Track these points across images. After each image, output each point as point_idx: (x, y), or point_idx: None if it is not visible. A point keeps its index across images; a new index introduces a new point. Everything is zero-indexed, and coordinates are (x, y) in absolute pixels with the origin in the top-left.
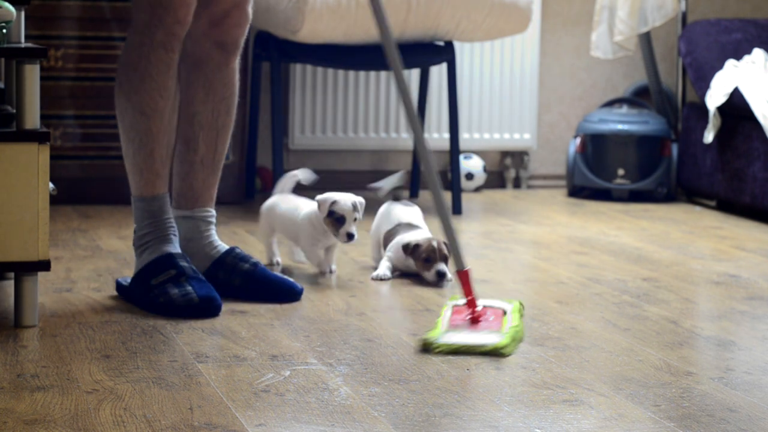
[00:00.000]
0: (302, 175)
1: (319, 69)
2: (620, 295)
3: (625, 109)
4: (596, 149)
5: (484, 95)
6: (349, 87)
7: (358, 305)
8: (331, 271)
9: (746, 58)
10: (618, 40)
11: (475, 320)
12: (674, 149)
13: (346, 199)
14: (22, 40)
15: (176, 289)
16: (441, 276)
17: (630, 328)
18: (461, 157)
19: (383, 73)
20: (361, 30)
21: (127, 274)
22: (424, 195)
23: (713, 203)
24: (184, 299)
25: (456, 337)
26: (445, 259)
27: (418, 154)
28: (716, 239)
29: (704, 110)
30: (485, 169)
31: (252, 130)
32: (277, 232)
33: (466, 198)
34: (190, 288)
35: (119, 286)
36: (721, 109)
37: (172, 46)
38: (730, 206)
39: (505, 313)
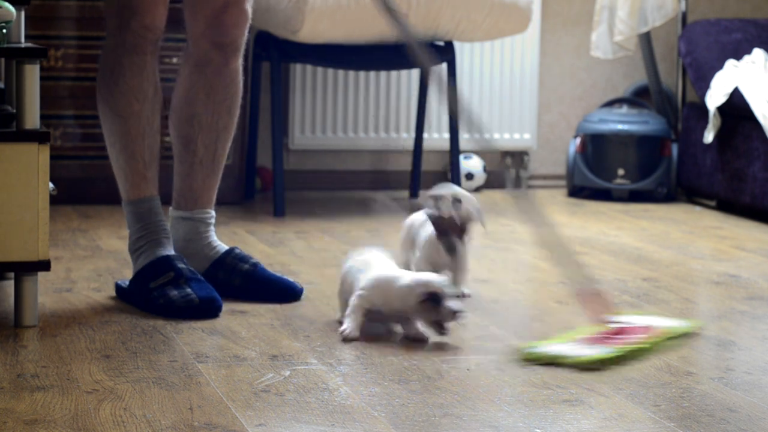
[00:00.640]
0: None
1: (319, 69)
2: (620, 295)
3: (625, 109)
4: (596, 149)
5: (484, 95)
6: (349, 87)
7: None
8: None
9: (746, 58)
10: (618, 40)
11: (609, 337)
12: (674, 149)
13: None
14: (22, 40)
15: (176, 291)
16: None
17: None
18: (461, 157)
19: (383, 73)
20: (361, 30)
21: (127, 275)
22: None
23: (713, 203)
24: (184, 301)
25: (554, 348)
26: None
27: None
28: (716, 239)
29: (704, 110)
30: (485, 169)
31: (252, 130)
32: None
33: None
34: (189, 290)
35: (118, 288)
36: (721, 109)
37: (143, 48)
38: (730, 206)
39: (652, 330)
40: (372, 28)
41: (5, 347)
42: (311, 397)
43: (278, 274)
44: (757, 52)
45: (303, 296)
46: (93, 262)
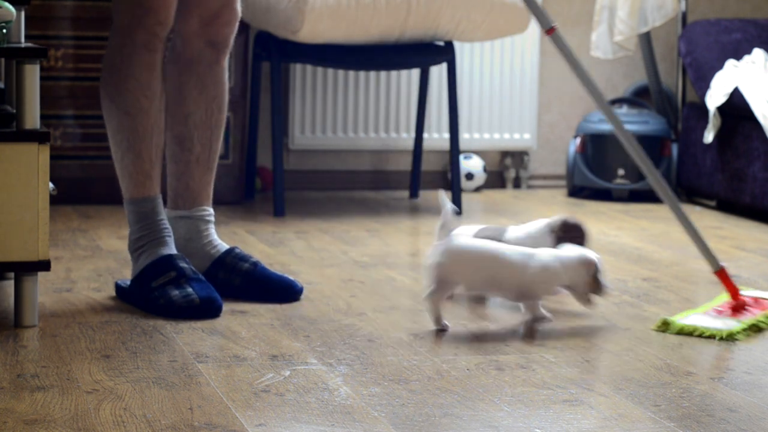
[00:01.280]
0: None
1: (319, 69)
2: (620, 295)
3: (625, 109)
4: (596, 149)
5: (484, 95)
6: (349, 87)
7: (358, 305)
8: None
9: (746, 58)
10: (618, 40)
11: (736, 309)
12: (674, 149)
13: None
14: (22, 40)
15: (177, 290)
16: None
17: (630, 328)
18: (461, 157)
19: (383, 73)
20: (361, 30)
21: (127, 275)
22: (424, 195)
23: (713, 203)
24: (186, 300)
25: (692, 320)
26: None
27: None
28: (716, 239)
29: (704, 110)
30: (485, 169)
31: (252, 130)
32: None
33: (466, 198)
34: (190, 289)
35: (118, 288)
36: (721, 109)
37: (154, 46)
38: (730, 206)
39: None
40: (372, 28)
41: (5, 347)
42: (311, 397)
43: (279, 273)
44: (757, 52)
45: (303, 296)
46: (93, 262)
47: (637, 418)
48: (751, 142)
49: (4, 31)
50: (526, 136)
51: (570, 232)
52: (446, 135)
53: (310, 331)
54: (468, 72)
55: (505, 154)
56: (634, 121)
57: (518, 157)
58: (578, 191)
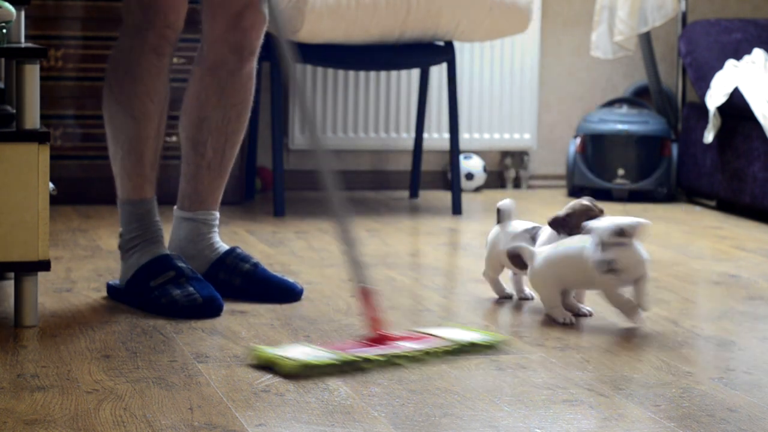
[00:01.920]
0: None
1: (319, 69)
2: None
3: (625, 109)
4: (596, 149)
5: (484, 95)
6: (349, 87)
7: (358, 305)
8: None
9: (746, 58)
10: (618, 40)
11: (380, 341)
12: (674, 149)
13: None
14: (22, 40)
15: (178, 290)
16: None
17: (630, 328)
18: (461, 157)
19: (383, 73)
20: (361, 30)
21: None
22: (424, 195)
23: (713, 203)
24: (188, 300)
25: (287, 352)
26: None
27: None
28: (716, 239)
29: (704, 110)
30: (485, 169)
31: (252, 130)
32: None
33: (466, 198)
34: (191, 289)
35: (110, 288)
36: (721, 109)
37: (164, 49)
38: (730, 206)
39: (436, 339)
40: (372, 28)
41: (5, 347)
42: (311, 397)
43: (279, 275)
44: (757, 52)
45: (303, 296)
46: (93, 262)
47: (637, 418)
48: (751, 142)
49: (4, 31)
50: (526, 136)
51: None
52: (446, 135)
53: (310, 331)
54: (468, 72)
55: (505, 154)
56: (634, 121)
57: (518, 157)
58: (578, 191)
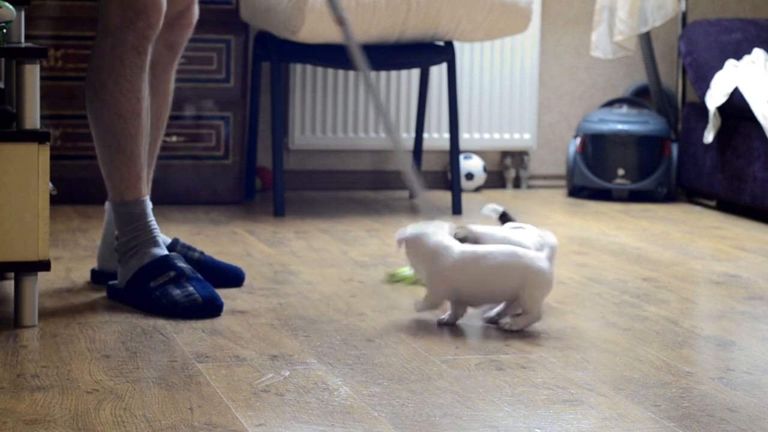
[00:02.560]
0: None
1: (319, 69)
2: (620, 295)
3: (625, 109)
4: (596, 149)
5: (484, 95)
6: (349, 87)
7: (358, 305)
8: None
9: (746, 58)
10: (618, 40)
11: None
12: (674, 149)
13: None
14: (22, 40)
15: (178, 290)
16: None
17: (630, 328)
18: (461, 157)
19: (383, 73)
20: (361, 30)
21: None
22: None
23: (713, 203)
24: (188, 300)
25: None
26: None
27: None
28: (716, 239)
29: (704, 110)
30: (485, 169)
31: (252, 130)
32: None
33: (466, 198)
34: (192, 288)
35: (110, 289)
36: (721, 109)
37: (144, 48)
38: (730, 206)
39: None
40: (372, 28)
41: (5, 347)
42: (311, 397)
43: (224, 262)
44: (757, 52)
45: (303, 296)
46: (93, 262)
47: (637, 418)
48: (751, 142)
49: (4, 31)
50: (526, 136)
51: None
52: (446, 135)
53: (310, 331)
54: (468, 72)
55: (505, 154)
56: (634, 121)
57: (518, 157)
58: (578, 191)
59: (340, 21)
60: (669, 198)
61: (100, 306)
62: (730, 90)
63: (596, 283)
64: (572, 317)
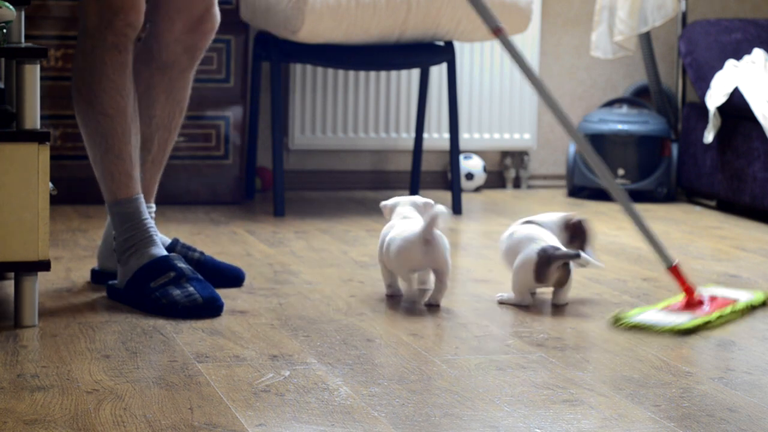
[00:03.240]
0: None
1: (319, 69)
2: (620, 295)
3: (625, 109)
4: (596, 149)
5: (484, 95)
6: (349, 87)
7: (358, 305)
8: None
9: (746, 58)
10: (618, 40)
11: (690, 305)
12: (674, 149)
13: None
14: (22, 40)
15: (178, 290)
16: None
17: (630, 328)
18: (461, 157)
19: (383, 73)
20: (361, 30)
21: None
22: (424, 195)
23: (713, 203)
24: (188, 300)
25: (646, 317)
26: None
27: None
28: (716, 239)
29: (704, 110)
30: (485, 169)
31: (252, 130)
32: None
33: (466, 198)
34: (192, 289)
35: (110, 289)
36: (721, 109)
37: (125, 46)
38: (730, 206)
39: (735, 301)
40: (372, 28)
41: (5, 347)
42: (311, 397)
43: (224, 262)
44: (757, 52)
45: (303, 296)
46: (93, 262)
47: (637, 418)
48: (751, 142)
49: (4, 31)
50: (526, 136)
51: (574, 232)
52: (446, 135)
53: (310, 331)
54: (468, 72)
55: (505, 154)
56: (634, 121)
57: (518, 157)
58: (578, 191)
59: (497, 31)
60: (669, 198)
61: (100, 306)
62: (730, 90)
63: (596, 283)
64: (572, 317)
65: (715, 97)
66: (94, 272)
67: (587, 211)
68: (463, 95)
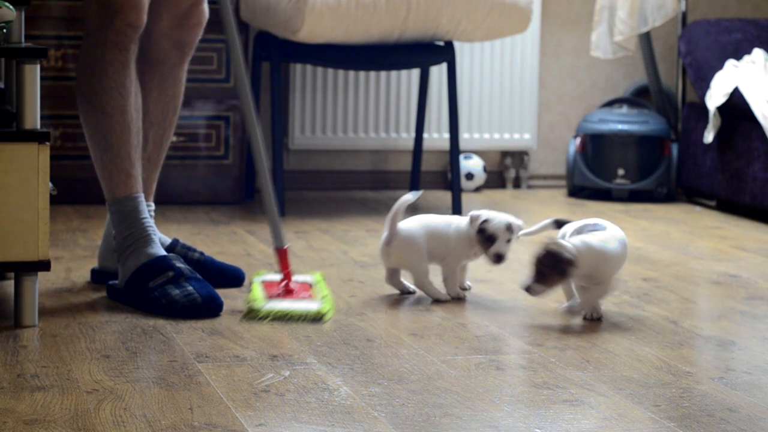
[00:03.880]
0: (413, 198)
1: (319, 69)
2: (620, 295)
3: (625, 109)
4: (596, 149)
5: (484, 95)
6: (349, 87)
7: (358, 305)
8: (466, 289)
9: (746, 58)
10: (618, 40)
11: (289, 292)
12: (674, 149)
13: (500, 218)
14: (22, 40)
15: (177, 290)
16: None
17: (630, 328)
18: (461, 157)
19: (383, 73)
20: (361, 30)
21: None
22: (424, 195)
23: (713, 203)
24: (187, 299)
25: (279, 305)
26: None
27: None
28: (716, 239)
29: (704, 110)
30: (485, 169)
31: None
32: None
33: (466, 198)
34: (191, 288)
35: (110, 289)
36: (721, 109)
37: (126, 45)
38: (730, 206)
39: (311, 285)
40: (372, 28)
41: (5, 347)
42: (311, 397)
43: (224, 262)
44: (757, 52)
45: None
46: (93, 262)
47: (637, 418)
48: (751, 142)
49: (4, 31)
50: (526, 136)
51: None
52: (446, 135)
53: (310, 331)
54: (468, 72)
55: (505, 154)
56: (634, 121)
57: (518, 157)
58: (578, 191)
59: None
60: (669, 198)
61: (100, 306)
62: (730, 90)
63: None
64: (572, 317)
65: (715, 97)
66: (94, 272)
67: (587, 211)
68: (463, 95)
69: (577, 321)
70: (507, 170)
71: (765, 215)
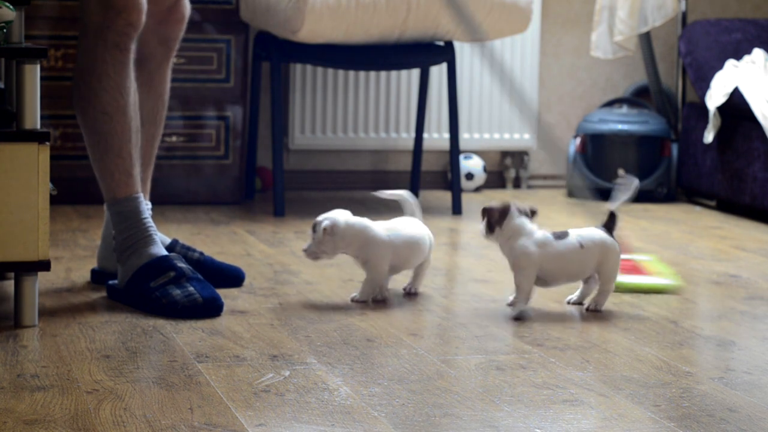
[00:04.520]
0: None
1: (319, 69)
2: (620, 295)
3: (625, 109)
4: (596, 149)
5: (484, 95)
6: (349, 87)
7: (358, 305)
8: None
9: (746, 58)
10: (618, 40)
11: (630, 270)
12: (674, 149)
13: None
14: (22, 40)
15: (178, 290)
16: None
17: (630, 328)
18: (461, 157)
19: (383, 73)
20: (361, 30)
21: None
22: (424, 195)
23: (713, 203)
24: (188, 300)
25: (633, 279)
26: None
27: None
28: (716, 239)
29: (704, 110)
30: (485, 169)
31: (252, 130)
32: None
33: (466, 198)
34: (192, 288)
35: (110, 289)
36: (721, 109)
37: (126, 45)
38: (730, 206)
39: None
40: (372, 28)
41: (5, 347)
42: (311, 397)
43: (223, 262)
44: (757, 52)
45: (303, 296)
46: (93, 262)
47: (637, 418)
48: (751, 142)
49: (4, 31)
50: (526, 136)
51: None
52: (446, 135)
53: (310, 331)
54: (468, 72)
55: (505, 154)
56: (634, 121)
57: (518, 157)
58: (578, 191)
59: None
60: (669, 198)
61: (100, 306)
62: (730, 90)
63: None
64: (572, 317)
65: (715, 97)
66: (94, 272)
67: (587, 211)
68: (463, 95)
69: (578, 321)
70: (507, 170)
71: (765, 215)
